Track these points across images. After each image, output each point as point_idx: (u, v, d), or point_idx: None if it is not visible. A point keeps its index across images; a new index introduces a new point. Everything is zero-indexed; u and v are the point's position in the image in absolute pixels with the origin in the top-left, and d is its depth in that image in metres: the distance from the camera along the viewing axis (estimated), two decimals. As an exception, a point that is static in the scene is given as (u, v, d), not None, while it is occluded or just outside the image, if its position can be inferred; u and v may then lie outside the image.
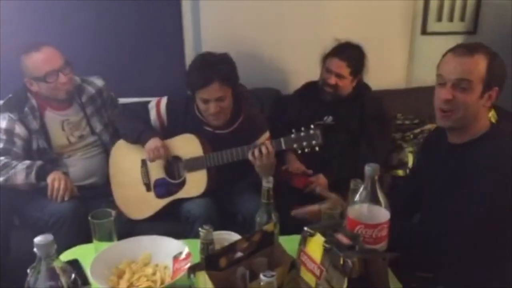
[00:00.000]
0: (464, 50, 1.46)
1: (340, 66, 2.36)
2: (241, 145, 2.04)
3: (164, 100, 2.22)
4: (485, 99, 1.45)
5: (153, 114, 2.21)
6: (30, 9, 2.55)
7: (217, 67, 2.01)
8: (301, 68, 2.78)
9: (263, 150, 1.97)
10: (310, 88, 2.58)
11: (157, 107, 2.21)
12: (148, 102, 2.26)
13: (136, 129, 2.16)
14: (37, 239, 0.91)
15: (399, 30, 2.97)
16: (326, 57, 2.43)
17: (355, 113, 2.43)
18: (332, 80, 2.38)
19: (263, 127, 2.23)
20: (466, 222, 1.40)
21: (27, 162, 2.08)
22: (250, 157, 1.99)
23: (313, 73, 2.54)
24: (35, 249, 0.92)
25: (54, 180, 2.03)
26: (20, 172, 2.04)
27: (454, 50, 1.48)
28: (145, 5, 2.68)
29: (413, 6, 2.95)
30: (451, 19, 3.03)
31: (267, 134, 2.21)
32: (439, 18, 3.02)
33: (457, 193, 1.44)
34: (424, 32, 3.03)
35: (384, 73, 2.94)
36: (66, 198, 2.03)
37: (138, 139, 2.16)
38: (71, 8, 2.59)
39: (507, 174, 1.38)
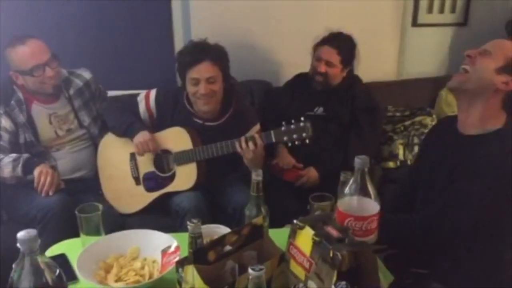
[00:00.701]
0: None
1: (330, 53, 2.36)
2: (231, 138, 2.03)
3: (153, 93, 2.20)
4: (502, 80, 1.41)
5: (142, 107, 2.19)
6: (15, 2, 2.49)
7: (208, 48, 2.04)
8: (292, 60, 2.77)
9: (251, 145, 1.95)
10: (301, 79, 2.57)
11: (146, 99, 2.19)
12: (137, 94, 2.24)
13: (124, 122, 2.14)
14: (20, 234, 0.89)
15: (390, 22, 2.96)
16: (317, 46, 2.42)
17: (346, 104, 2.42)
18: (322, 68, 2.37)
19: (253, 120, 2.22)
20: (465, 216, 1.39)
21: (14, 155, 2.05)
22: (238, 149, 1.98)
23: (304, 65, 2.53)
24: (18, 245, 0.89)
25: (41, 173, 2.01)
26: (6, 165, 2.01)
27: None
28: (134, -3, 2.65)
29: (404, -3, 2.94)
30: (441, 10, 3.03)
31: (257, 127, 2.19)
32: (430, 10, 3.01)
33: (459, 185, 1.42)
34: (415, 24, 3.02)
35: (375, 65, 2.93)
36: (50, 193, 2.01)
37: (126, 132, 2.13)
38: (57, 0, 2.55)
39: (500, 178, 1.36)
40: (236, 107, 2.19)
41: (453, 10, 3.04)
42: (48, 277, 0.92)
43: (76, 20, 2.61)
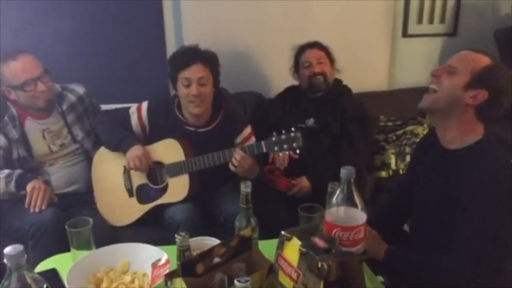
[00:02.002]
0: (478, 49, 1.48)
1: (315, 52, 2.47)
2: (225, 142, 2.09)
3: (145, 105, 2.22)
4: (469, 95, 1.43)
5: (134, 119, 2.21)
6: (8, 17, 2.52)
7: (200, 51, 2.13)
8: (283, 72, 2.77)
9: (234, 161, 1.99)
10: (292, 92, 2.60)
11: (138, 112, 2.21)
12: (129, 108, 2.26)
13: (116, 136, 2.15)
14: (7, 250, 0.90)
15: (380, 32, 2.99)
16: (297, 58, 2.51)
17: (336, 115, 2.44)
18: (317, 67, 2.44)
19: (244, 122, 2.28)
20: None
21: (6, 171, 2.06)
22: (231, 167, 2.02)
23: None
24: (5, 260, 0.90)
25: (33, 189, 2.01)
26: None
27: (470, 47, 1.51)
28: (126, 11, 2.68)
29: (393, 8, 2.97)
30: (431, 21, 3.06)
31: (249, 129, 2.25)
32: (420, 20, 3.05)
33: (470, 215, 1.40)
34: (405, 34, 3.06)
35: (366, 75, 2.96)
36: (43, 207, 2.02)
37: (118, 147, 2.15)
38: (50, 14, 2.58)
39: (499, 188, 1.38)
40: (226, 111, 2.23)
41: (442, 20, 3.07)
42: (35, 292, 0.93)
43: (68, 35, 2.64)
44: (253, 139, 2.23)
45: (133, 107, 2.24)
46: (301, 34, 2.65)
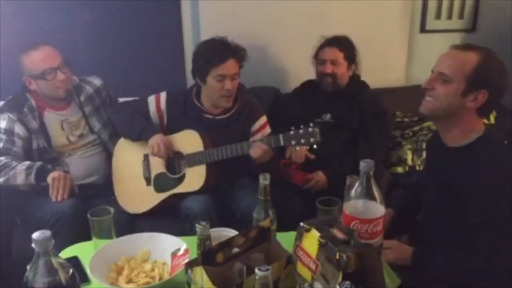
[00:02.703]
0: (462, 46, 1.47)
1: (333, 52, 2.42)
2: (241, 129, 2.16)
3: (163, 94, 2.27)
4: (469, 100, 1.43)
5: (152, 108, 2.25)
6: (29, 10, 2.56)
7: (230, 45, 2.14)
8: (300, 67, 2.78)
9: (255, 154, 2.02)
10: (309, 86, 2.60)
11: (156, 101, 2.26)
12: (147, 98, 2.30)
13: (138, 125, 2.19)
14: (35, 235, 0.92)
15: (398, 28, 2.97)
16: (317, 52, 2.48)
17: (353, 110, 2.44)
18: (329, 68, 2.42)
19: (260, 110, 2.32)
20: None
21: (27, 163, 2.08)
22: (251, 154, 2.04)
23: (312, 72, 2.55)
24: (33, 245, 0.93)
25: (55, 179, 2.04)
26: (20, 173, 2.05)
27: (454, 45, 1.49)
28: (144, 5, 2.69)
29: (411, 4, 2.95)
30: (450, 17, 3.03)
31: (264, 118, 2.29)
32: (438, 16, 3.02)
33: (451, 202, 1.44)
34: (423, 30, 3.03)
35: (383, 71, 2.95)
36: (65, 196, 2.05)
37: (140, 136, 2.19)
38: (71, 9, 2.61)
39: (500, 181, 1.38)
40: (243, 99, 2.27)
41: (461, 16, 3.04)
42: (62, 277, 0.95)
43: (86, 29, 2.67)
44: (268, 129, 2.28)
45: (151, 96, 2.28)
46: (318, 29, 2.64)
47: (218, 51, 2.10)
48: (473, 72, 1.40)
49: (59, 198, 2.04)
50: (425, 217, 1.68)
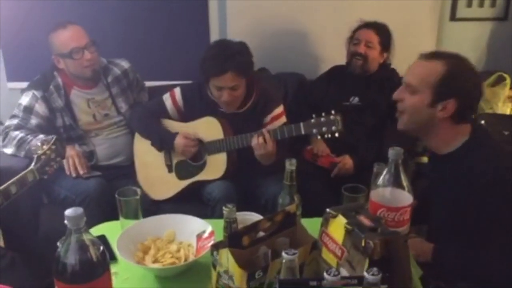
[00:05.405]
0: (429, 54, 1.45)
1: (369, 34, 2.41)
2: (256, 122, 2.11)
3: (177, 90, 2.26)
4: (438, 109, 1.40)
5: (169, 104, 2.25)
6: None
7: (233, 57, 2.00)
8: (326, 53, 2.77)
9: (260, 139, 1.98)
10: (337, 71, 2.58)
11: (171, 97, 2.25)
12: (170, 86, 2.33)
13: (154, 134, 2.23)
14: (68, 212, 0.94)
15: (427, 16, 2.91)
16: (354, 32, 2.46)
17: (382, 95, 2.40)
18: (362, 48, 2.40)
19: (277, 101, 2.24)
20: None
21: (41, 136, 2.11)
22: (253, 144, 2.02)
23: (338, 59, 2.54)
24: (65, 221, 0.95)
25: (68, 157, 2.10)
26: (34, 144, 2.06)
27: (422, 53, 1.47)
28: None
29: (442, -9, 2.89)
30: (481, 4, 2.95)
31: (280, 108, 2.22)
32: (469, 4, 2.94)
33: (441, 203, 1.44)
34: (453, 18, 2.96)
35: (412, 59, 2.86)
36: (81, 172, 2.11)
37: (162, 147, 2.23)
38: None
39: (494, 180, 1.35)
40: (258, 93, 2.19)
41: (493, 4, 2.96)
42: (93, 253, 0.97)
43: (116, 14, 2.71)
44: (283, 119, 2.20)
45: (166, 94, 2.27)
46: (346, 16, 2.61)
47: (216, 63, 2.00)
48: (439, 82, 1.38)
49: (80, 172, 2.12)
50: (434, 224, 1.66)
